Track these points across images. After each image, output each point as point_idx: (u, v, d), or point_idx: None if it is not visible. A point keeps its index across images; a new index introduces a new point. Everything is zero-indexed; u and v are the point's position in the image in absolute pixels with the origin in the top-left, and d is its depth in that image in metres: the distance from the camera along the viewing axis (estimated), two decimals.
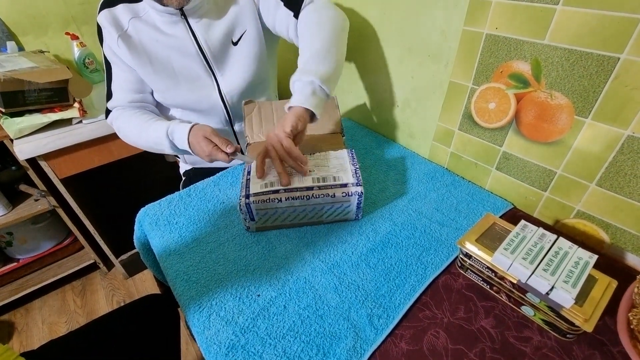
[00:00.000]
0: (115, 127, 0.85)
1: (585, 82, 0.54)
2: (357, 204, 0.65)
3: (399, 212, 0.71)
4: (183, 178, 1.10)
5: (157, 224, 0.71)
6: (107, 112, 0.86)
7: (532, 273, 0.47)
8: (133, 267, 1.53)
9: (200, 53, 0.80)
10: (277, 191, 0.62)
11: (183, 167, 1.10)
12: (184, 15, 0.76)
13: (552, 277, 0.46)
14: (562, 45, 0.54)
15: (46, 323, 1.39)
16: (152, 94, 0.87)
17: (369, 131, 1.00)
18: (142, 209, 0.75)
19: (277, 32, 0.83)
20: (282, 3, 0.77)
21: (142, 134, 0.79)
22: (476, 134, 0.74)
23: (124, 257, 1.49)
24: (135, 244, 0.78)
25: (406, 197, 0.75)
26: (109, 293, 1.50)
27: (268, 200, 0.62)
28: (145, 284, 1.52)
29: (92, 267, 1.54)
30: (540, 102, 0.61)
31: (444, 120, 0.79)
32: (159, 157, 1.65)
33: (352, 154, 0.70)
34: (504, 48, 0.62)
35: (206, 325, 0.52)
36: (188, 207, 0.75)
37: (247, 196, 0.62)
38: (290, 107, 0.65)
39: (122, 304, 1.44)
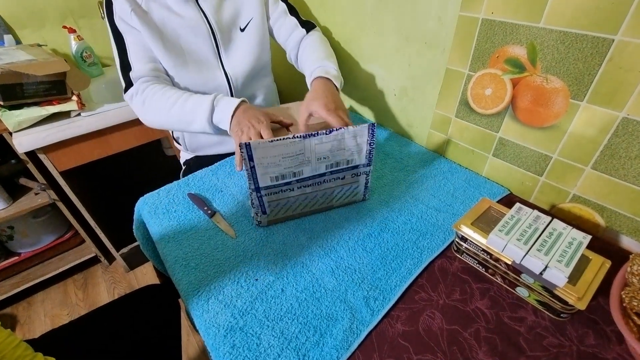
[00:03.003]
0: (137, 101, 0.77)
1: (580, 64, 0.54)
2: (365, 183, 0.67)
3: (396, 199, 0.72)
4: (183, 167, 1.10)
5: (155, 212, 0.72)
6: (128, 85, 0.78)
7: (526, 253, 0.48)
8: (134, 260, 1.54)
9: (211, 33, 0.83)
10: (288, 182, 0.60)
11: (184, 157, 1.11)
12: None
13: (546, 257, 0.47)
14: (557, 28, 0.54)
15: (48, 315, 1.41)
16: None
17: (367, 121, 1.01)
18: (141, 198, 0.76)
19: (272, 31, 0.93)
20: (289, 15, 0.90)
21: (178, 104, 0.73)
22: (473, 121, 0.74)
23: (124, 250, 1.50)
24: (134, 233, 0.78)
25: (403, 184, 0.76)
26: (110, 286, 1.51)
27: (279, 192, 0.61)
28: (146, 277, 1.53)
29: (93, 261, 1.55)
30: (536, 86, 0.61)
31: (441, 108, 0.79)
32: (159, 150, 1.66)
33: (372, 130, 0.61)
34: (500, 33, 0.62)
35: (205, 308, 0.53)
36: (186, 196, 0.75)
37: (257, 189, 0.60)
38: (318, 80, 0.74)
39: None
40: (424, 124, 0.85)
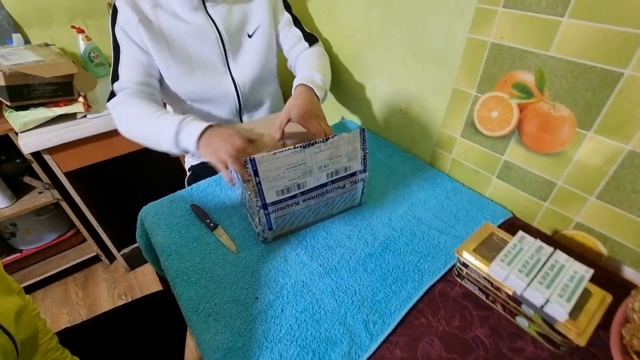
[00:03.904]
0: (116, 112, 0.77)
1: (588, 95, 0.54)
2: (362, 189, 0.69)
3: (399, 218, 0.72)
4: (188, 173, 1.10)
5: (158, 222, 0.72)
6: (111, 95, 0.79)
7: (528, 285, 0.48)
8: (135, 261, 1.55)
9: (219, 39, 0.84)
10: (294, 196, 0.60)
11: (189, 162, 1.11)
12: (203, 2, 0.81)
13: (547, 290, 0.47)
14: (566, 58, 0.54)
15: (48, 314, 1.42)
16: (160, 81, 0.85)
17: (372, 134, 1.01)
18: (144, 207, 0.76)
19: (277, 36, 0.94)
20: (294, 26, 0.93)
21: (149, 122, 0.72)
22: (478, 142, 0.74)
23: (126, 250, 1.50)
24: (137, 241, 0.79)
25: (406, 202, 0.76)
26: (110, 285, 1.52)
27: (285, 207, 0.61)
28: (146, 278, 1.54)
29: (95, 260, 1.56)
30: (543, 113, 0.61)
31: (446, 127, 0.79)
32: (163, 155, 1.67)
33: (363, 135, 0.63)
34: (509, 57, 0.62)
35: (204, 327, 0.53)
36: (189, 207, 0.75)
37: (265, 206, 0.59)
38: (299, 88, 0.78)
39: (123, 297, 1.47)
40: (428, 141, 0.85)
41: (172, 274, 0.62)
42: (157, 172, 1.58)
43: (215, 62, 0.86)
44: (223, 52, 0.85)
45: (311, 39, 0.94)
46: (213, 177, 0.84)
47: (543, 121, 0.61)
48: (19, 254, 1.46)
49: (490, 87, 0.67)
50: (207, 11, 0.82)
